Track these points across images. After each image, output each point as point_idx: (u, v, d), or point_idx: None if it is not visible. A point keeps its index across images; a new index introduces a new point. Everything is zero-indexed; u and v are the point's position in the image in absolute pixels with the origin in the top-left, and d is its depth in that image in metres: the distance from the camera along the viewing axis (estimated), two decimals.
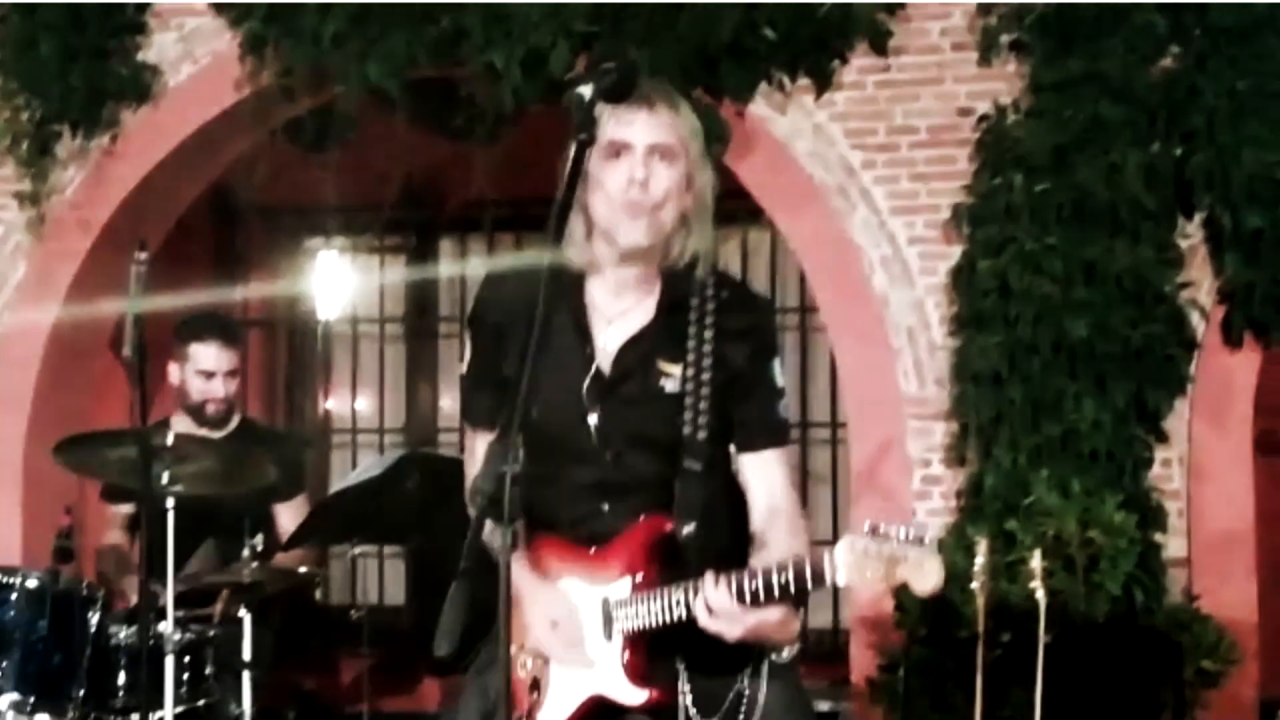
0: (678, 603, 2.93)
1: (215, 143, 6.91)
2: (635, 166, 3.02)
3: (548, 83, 6.03)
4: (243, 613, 4.54)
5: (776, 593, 2.80)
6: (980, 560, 4.71)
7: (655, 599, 2.98)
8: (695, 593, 2.87)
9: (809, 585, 2.80)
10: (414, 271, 9.51)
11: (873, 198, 6.15)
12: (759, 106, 6.21)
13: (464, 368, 3.27)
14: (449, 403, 9.18)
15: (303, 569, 4.96)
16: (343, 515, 4.90)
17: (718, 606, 2.82)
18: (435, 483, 4.64)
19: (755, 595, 2.80)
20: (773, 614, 2.85)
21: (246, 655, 4.48)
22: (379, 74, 6.24)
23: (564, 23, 6.01)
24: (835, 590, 3.21)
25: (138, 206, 6.82)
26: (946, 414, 5.98)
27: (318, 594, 6.07)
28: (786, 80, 6.17)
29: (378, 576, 8.84)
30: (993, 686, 4.83)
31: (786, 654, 3.33)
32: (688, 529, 3.06)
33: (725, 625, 2.85)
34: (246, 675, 4.51)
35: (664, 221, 3.06)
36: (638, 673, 3.01)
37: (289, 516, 5.18)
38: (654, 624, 2.97)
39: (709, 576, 2.87)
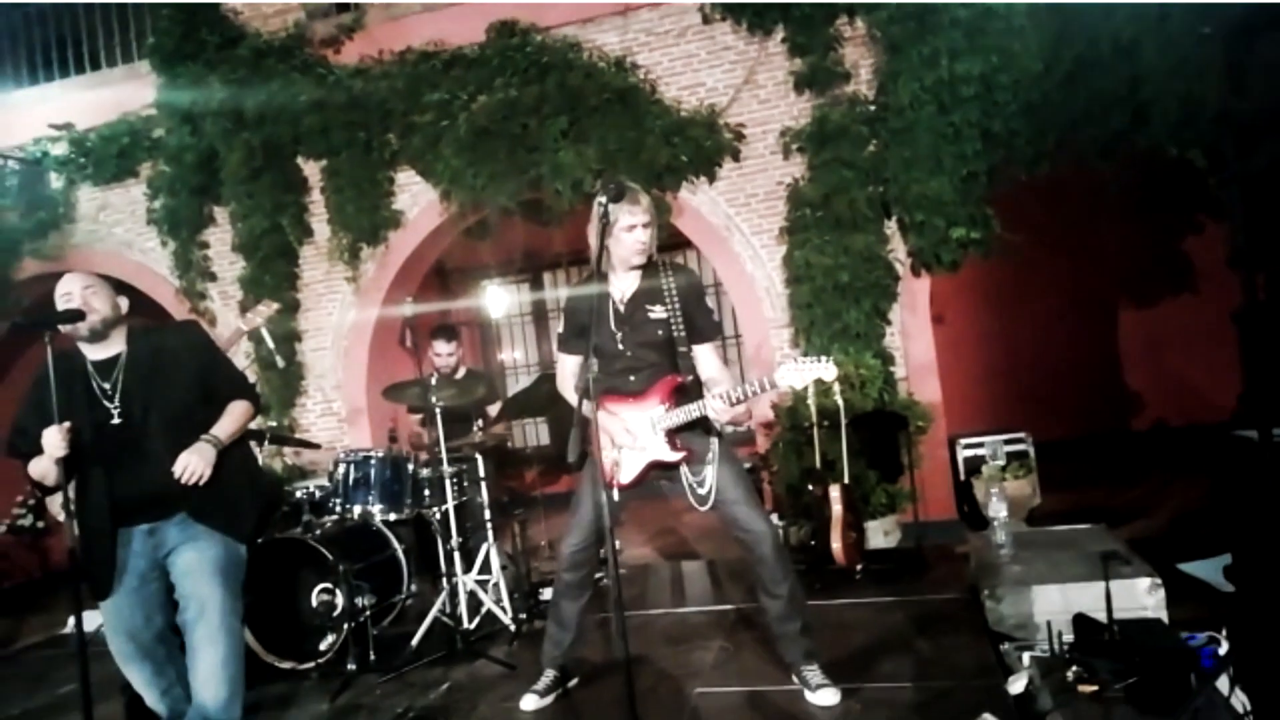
0: (694, 411, 3.06)
1: (433, 243, 6.85)
2: (639, 233, 3.10)
3: (583, 194, 6.04)
4: (477, 455, 4.55)
5: (748, 396, 2.97)
6: (811, 389, 4.81)
7: (681, 412, 3.10)
8: (706, 405, 3.01)
9: (768, 389, 2.97)
10: (533, 291, 9.51)
11: (741, 229, 6.12)
12: (683, 192, 6.18)
13: (560, 328, 3.35)
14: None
15: (501, 433, 4.92)
16: (515, 406, 4.84)
17: (722, 406, 2.98)
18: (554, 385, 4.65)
19: (738, 399, 2.97)
20: (742, 408, 3.01)
21: (481, 474, 4.51)
22: (505, 200, 6.21)
23: (587, 165, 5.97)
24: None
25: (401, 276, 6.78)
26: (788, 324, 5.97)
27: (509, 444, 5.97)
28: (694, 179, 6.13)
29: (535, 432, 8.96)
30: (822, 447, 4.90)
31: (746, 427, 3.35)
32: (688, 379, 3.17)
33: (722, 414, 3.00)
34: (483, 484, 4.50)
35: (650, 251, 3.16)
36: (675, 445, 3.13)
37: (493, 410, 5.17)
38: (680, 422, 3.10)
39: (714, 395, 3.00)
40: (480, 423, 4.72)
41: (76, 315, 2.75)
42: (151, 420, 2.79)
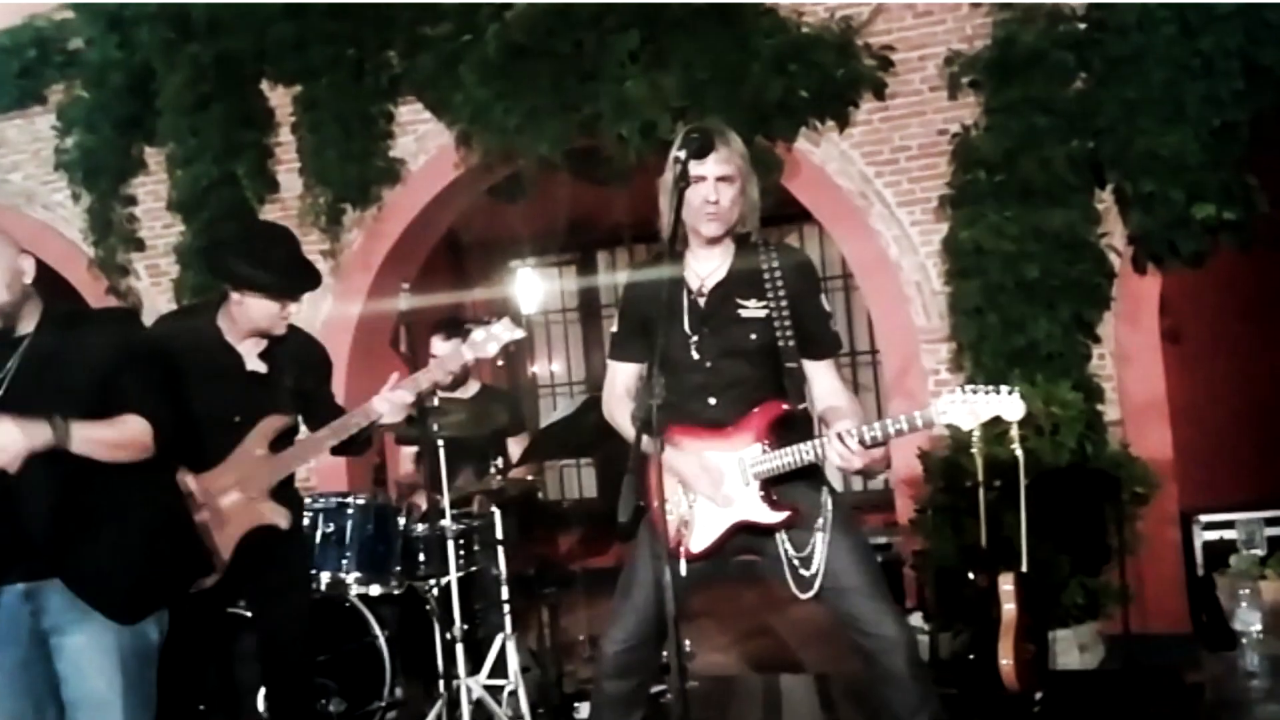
0: (806, 453, 3.06)
1: (444, 205, 7.01)
2: (709, 190, 3.15)
3: (658, 142, 6.10)
4: (494, 509, 4.59)
5: (889, 438, 2.97)
6: (977, 433, 4.76)
7: (785, 454, 3.09)
8: (823, 446, 3.01)
9: (919, 428, 2.98)
10: (581, 277, 9.69)
11: (884, 197, 6.15)
12: (801, 143, 6.23)
13: (614, 326, 3.38)
14: None
15: (529, 478, 4.95)
16: (551, 441, 4.90)
17: (852, 450, 2.97)
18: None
19: (874, 441, 2.97)
20: (878, 452, 3.01)
21: (499, 535, 4.54)
22: (547, 149, 6.32)
23: (664, 101, 6.04)
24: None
25: (399, 250, 6.95)
26: (947, 337, 5.98)
27: (539, 494, 6.07)
28: (818, 124, 6.19)
29: (577, 479, 9.06)
30: (991, 518, 4.84)
31: (882, 478, 3.38)
32: (801, 407, 3.17)
33: (850, 461, 3.00)
34: (500, 549, 4.56)
35: (730, 218, 3.19)
36: (773, 502, 3.14)
37: (516, 445, 5.20)
38: (782, 470, 3.09)
39: (841, 431, 3.00)
40: (500, 462, 4.75)
41: None
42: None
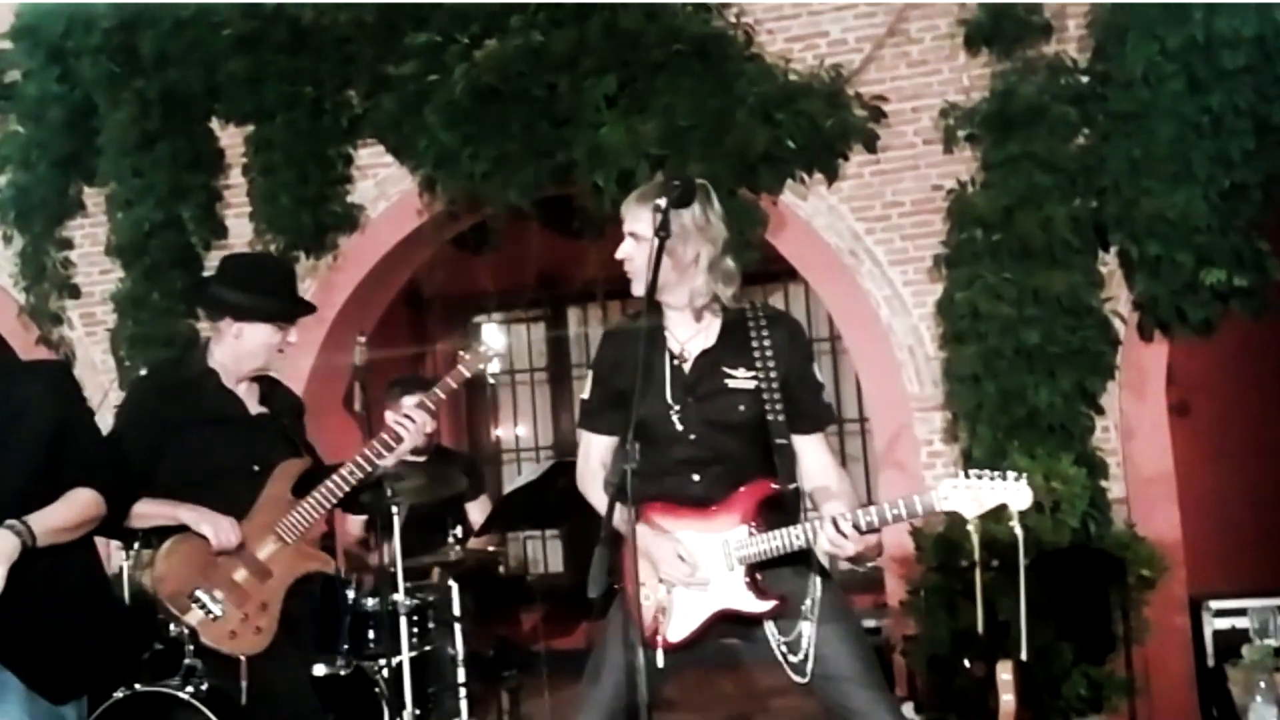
0: (797, 537, 3.01)
1: (405, 254, 6.97)
2: (627, 245, 3.11)
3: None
4: (451, 582, 4.54)
5: (883, 524, 2.95)
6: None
7: (773, 538, 3.03)
8: (814, 530, 2.97)
9: (919, 515, 2.99)
10: (550, 333, 9.65)
11: (875, 254, 6.13)
12: (787, 196, 6.21)
13: (585, 393, 3.32)
14: None
15: (490, 549, 4.93)
16: (515, 509, 4.89)
17: (843, 537, 2.93)
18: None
19: (870, 527, 2.94)
20: (872, 539, 2.98)
21: (456, 612, 4.49)
22: (516, 197, 6.28)
23: (642, 149, 6.01)
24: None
25: (356, 303, 6.89)
26: (941, 406, 5.94)
27: (500, 567, 6.00)
28: (805, 176, 6.17)
29: (542, 551, 8.93)
30: (989, 600, 4.84)
31: (870, 565, 3.36)
32: (791, 487, 3.12)
33: (844, 547, 2.96)
34: (457, 627, 4.51)
35: (645, 275, 3.13)
36: (759, 589, 3.08)
37: (477, 511, 5.16)
38: (770, 555, 3.04)
39: (833, 515, 2.96)
40: (459, 531, 4.70)
41: None
42: None
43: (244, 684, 3.48)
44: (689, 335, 3.20)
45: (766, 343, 3.17)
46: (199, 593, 3.52)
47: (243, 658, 3.51)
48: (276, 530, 3.61)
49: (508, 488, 5.21)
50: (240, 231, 6.94)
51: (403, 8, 6.52)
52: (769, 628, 3.12)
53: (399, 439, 3.74)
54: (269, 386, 3.81)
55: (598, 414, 3.29)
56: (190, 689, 4.05)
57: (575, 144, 6.19)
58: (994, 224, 5.76)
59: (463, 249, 7.38)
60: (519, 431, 9.72)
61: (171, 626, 4.37)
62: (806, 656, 3.07)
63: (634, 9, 6.17)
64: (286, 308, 3.72)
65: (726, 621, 3.13)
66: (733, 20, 6.21)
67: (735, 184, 5.96)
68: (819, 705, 3.14)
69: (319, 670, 4.43)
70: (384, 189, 6.80)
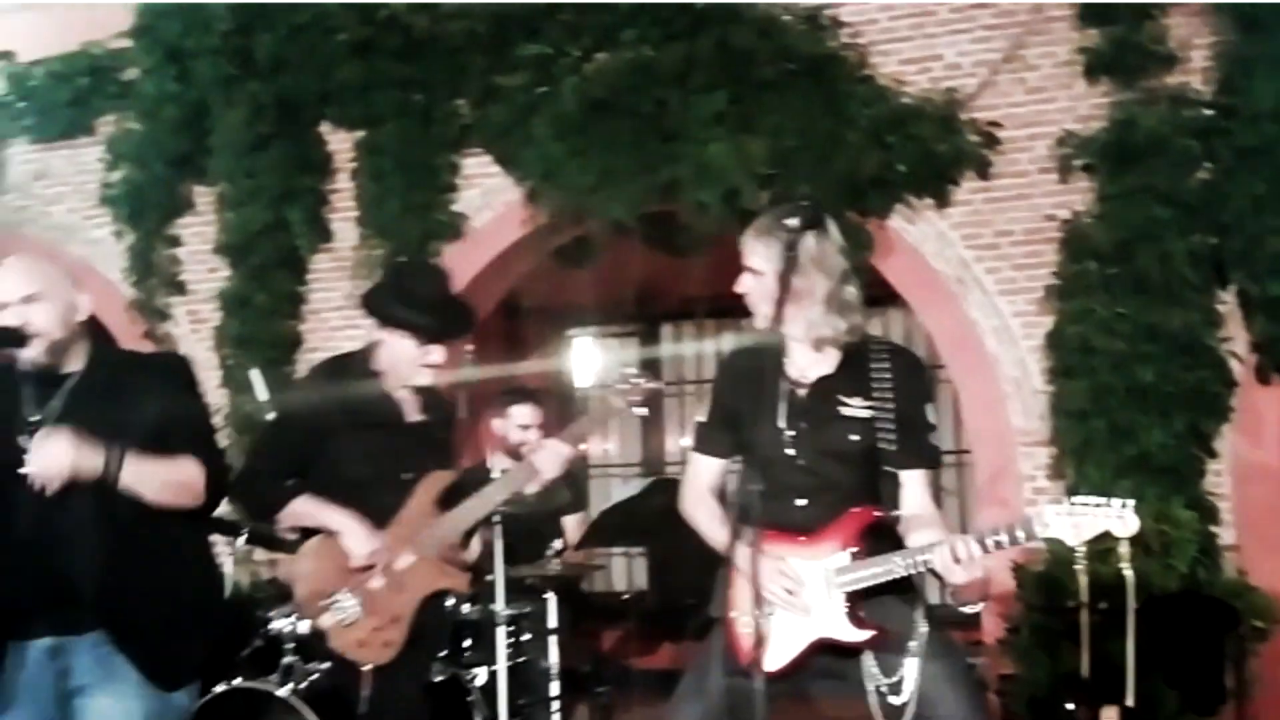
0: (900, 565, 2.97)
1: (507, 264, 7.01)
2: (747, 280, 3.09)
3: (740, 211, 6.10)
4: (547, 595, 4.53)
5: (994, 548, 2.88)
6: (1081, 549, 4.65)
7: (877, 564, 3.00)
8: (920, 558, 2.93)
9: (1021, 540, 2.88)
10: (643, 350, 9.63)
11: (983, 283, 6.07)
12: (895, 220, 6.17)
13: (704, 414, 3.33)
14: (671, 443, 9.20)
15: (587, 562, 4.90)
16: (613, 525, 4.86)
17: (965, 556, 2.86)
18: (673, 499, 4.64)
19: (988, 547, 2.87)
20: (980, 570, 2.89)
21: (552, 624, 4.48)
22: (621, 211, 6.31)
23: (750, 167, 6.01)
24: None
25: None
26: (1047, 441, 5.84)
27: (583, 583, 5.96)
28: (914, 200, 6.13)
29: (626, 570, 8.90)
30: (1094, 644, 4.77)
31: (980, 607, 3.28)
32: (895, 514, 3.09)
33: (963, 572, 2.89)
34: (553, 639, 4.50)
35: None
36: (859, 619, 3.03)
37: (573, 526, 5.15)
38: (871, 581, 3.00)
39: (953, 538, 2.90)
40: (558, 544, 4.69)
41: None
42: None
43: (365, 693, 3.45)
44: (807, 362, 3.19)
45: (885, 375, 3.15)
46: (336, 597, 3.50)
47: (367, 667, 3.48)
48: (417, 543, 3.58)
49: (608, 503, 5.15)
50: (345, 236, 7.03)
51: (515, 19, 6.58)
52: (869, 666, 3.06)
53: (545, 468, 3.72)
54: (429, 394, 3.75)
55: (711, 437, 3.29)
56: (289, 688, 4.12)
57: (682, 160, 6.19)
58: (1109, 257, 5.70)
59: (562, 262, 7.37)
60: (608, 447, 9.68)
61: (271, 625, 4.44)
62: (910, 699, 3.01)
63: (746, 26, 6.17)
64: (431, 325, 3.62)
65: (825, 653, 3.08)
66: (846, 40, 6.18)
67: (843, 206, 5.90)
68: None
69: None
70: (489, 199, 6.84)
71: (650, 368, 9.57)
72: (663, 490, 4.43)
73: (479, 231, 6.86)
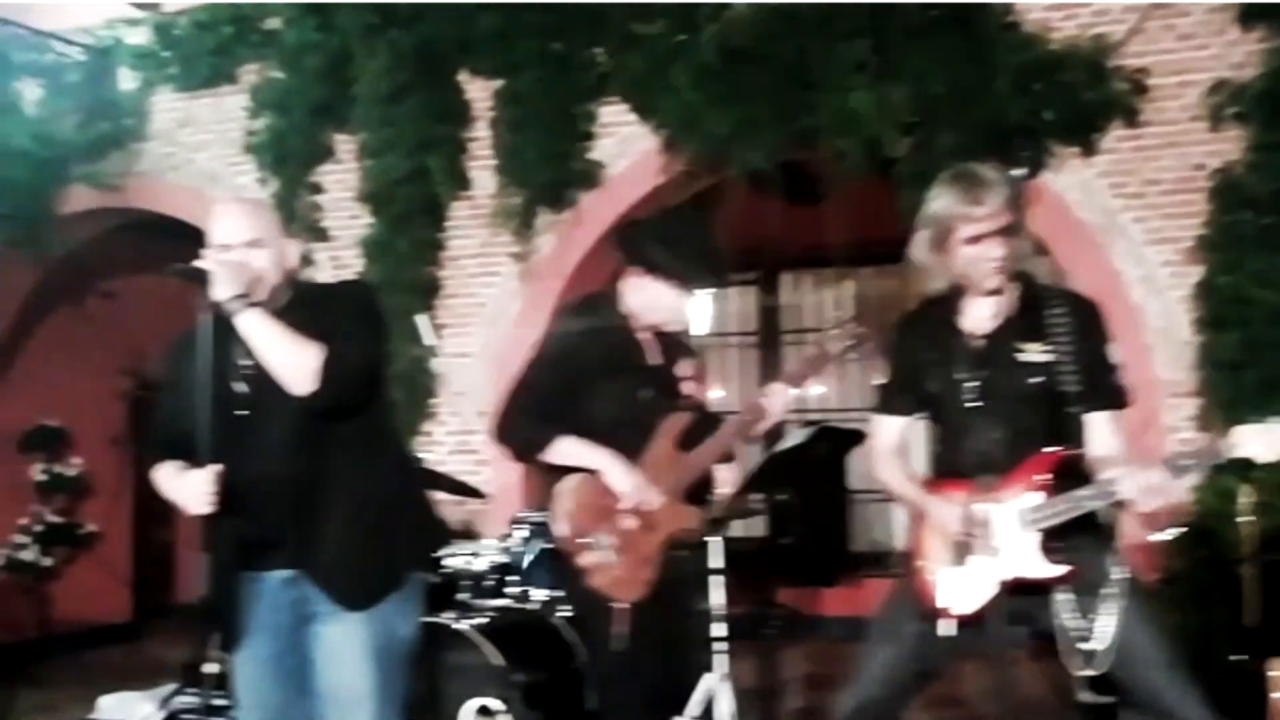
0: (1091, 499, 3.02)
1: (641, 212, 6.93)
2: (989, 246, 3.11)
3: (879, 159, 6.09)
4: (713, 536, 4.46)
5: (1186, 472, 2.95)
6: (1243, 500, 4.63)
7: (1067, 500, 3.04)
8: (1110, 488, 2.96)
9: (1210, 462, 3.02)
10: (761, 299, 9.67)
11: (1130, 233, 6.01)
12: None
13: (886, 376, 3.38)
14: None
15: (748, 506, 4.81)
16: (774, 471, 4.84)
17: (1155, 483, 2.91)
18: (838, 448, 4.64)
19: (1177, 471, 2.92)
20: (1174, 491, 2.95)
21: (714, 564, 4.35)
22: (759, 159, 6.33)
23: (892, 116, 6.00)
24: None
25: (592, 259, 6.99)
26: (1194, 393, 5.78)
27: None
28: (1060, 147, 6.07)
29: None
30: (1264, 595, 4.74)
31: (1168, 534, 3.29)
32: (1079, 453, 3.11)
33: (1154, 497, 2.93)
34: (716, 580, 4.37)
35: (1007, 269, 3.16)
36: (1052, 556, 3.06)
37: (725, 471, 5.18)
38: (1063, 517, 3.04)
39: (1142, 466, 2.96)
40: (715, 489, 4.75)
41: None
42: (281, 414, 2.97)
43: (621, 630, 3.48)
44: (983, 312, 3.22)
45: (1062, 319, 3.17)
46: (596, 536, 3.54)
47: (623, 605, 3.52)
48: (663, 483, 3.61)
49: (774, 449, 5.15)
50: (483, 184, 7.11)
51: None
52: (1063, 611, 3.08)
53: (773, 410, 3.75)
54: (666, 337, 3.78)
55: (893, 397, 3.36)
56: (468, 623, 4.25)
57: (822, 109, 6.18)
58: (1263, 206, 5.60)
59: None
60: (723, 393, 9.72)
61: (446, 561, 4.57)
62: (1107, 642, 3.03)
63: None
64: (697, 275, 3.65)
65: (1017, 595, 3.10)
66: None
67: (987, 155, 5.83)
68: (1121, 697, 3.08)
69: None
70: (625, 147, 6.87)
71: (768, 316, 9.63)
72: (828, 438, 4.42)
73: (615, 180, 6.90)
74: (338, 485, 3.03)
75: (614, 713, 3.64)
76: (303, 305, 3.07)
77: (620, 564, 3.56)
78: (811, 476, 4.64)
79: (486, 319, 7.13)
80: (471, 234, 7.14)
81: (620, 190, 6.91)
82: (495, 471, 6.78)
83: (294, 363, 2.90)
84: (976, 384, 3.17)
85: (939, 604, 3.14)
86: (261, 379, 2.95)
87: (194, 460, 2.95)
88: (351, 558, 3.03)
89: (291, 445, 2.98)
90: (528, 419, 3.60)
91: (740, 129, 6.33)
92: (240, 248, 2.98)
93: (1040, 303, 3.21)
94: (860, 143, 6.07)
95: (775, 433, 4.18)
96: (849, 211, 7.19)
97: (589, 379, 3.60)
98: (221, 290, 2.85)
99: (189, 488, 2.90)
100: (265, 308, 2.96)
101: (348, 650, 3.00)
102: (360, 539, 3.05)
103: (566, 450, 3.57)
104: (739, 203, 7.48)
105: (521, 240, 6.99)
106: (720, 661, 4.45)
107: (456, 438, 7.09)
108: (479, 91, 7.11)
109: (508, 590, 4.55)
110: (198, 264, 2.91)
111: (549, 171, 6.88)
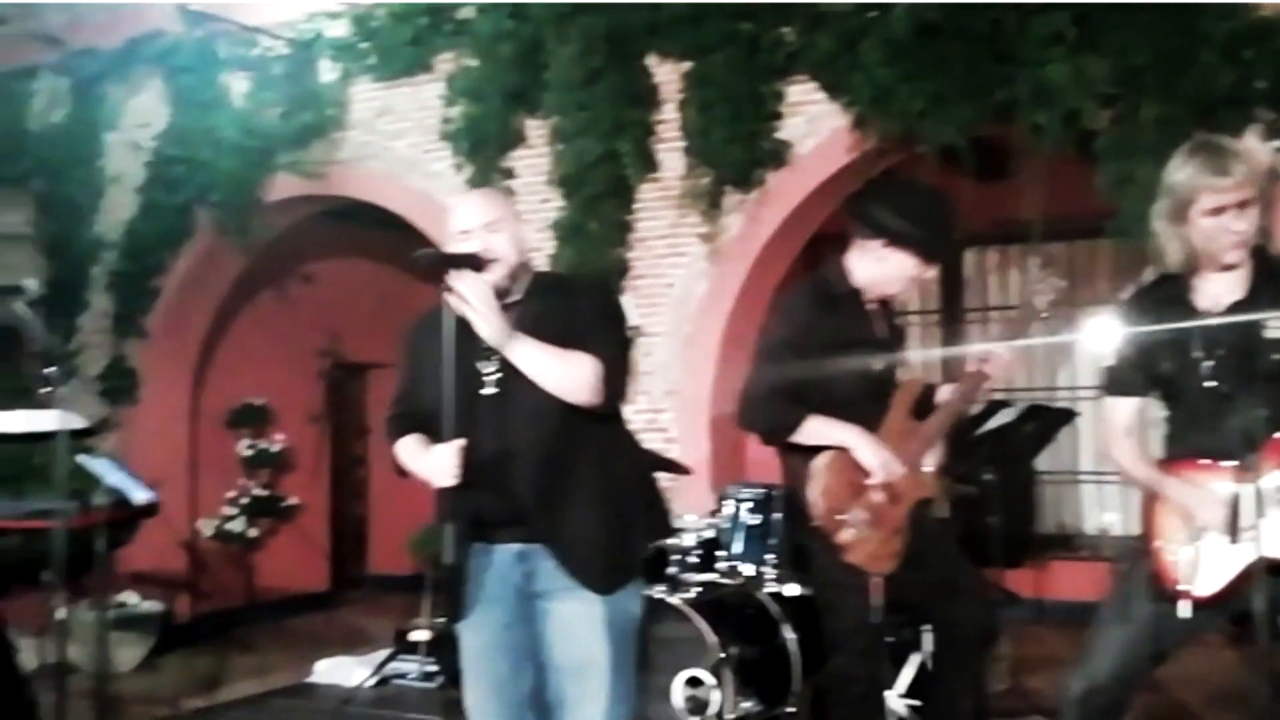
0: None
1: (831, 191, 7.02)
2: (1232, 218, 3.05)
3: (1078, 132, 5.96)
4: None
5: None
6: None
7: None
8: None
9: None
10: (945, 275, 9.51)
11: None
12: (1249, 139, 5.85)
13: (1115, 359, 3.34)
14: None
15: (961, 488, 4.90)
16: (985, 448, 4.81)
17: None
18: (1047, 427, 4.58)
19: None
20: None
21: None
22: (953, 135, 6.26)
23: (1091, 88, 5.88)
24: None
25: (780, 238, 7.02)
26: None
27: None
28: (1272, 116, 5.84)
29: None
30: None
31: None
32: None
33: None
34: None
35: (1250, 242, 3.10)
36: None
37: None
38: None
39: None
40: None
41: (471, 262, 3.06)
42: (528, 395, 3.05)
43: (877, 603, 3.55)
44: (1218, 288, 3.16)
45: None
46: (852, 512, 3.60)
47: (878, 578, 3.59)
48: (901, 455, 3.67)
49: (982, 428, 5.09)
50: (671, 165, 7.18)
51: None
52: None
53: (996, 375, 3.83)
54: (887, 307, 3.86)
55: (1123, 378, 3.33)
56: (680, 597, 4.34)
57: (1018, 82, 6.09)
58: None
59: None
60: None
61: None
62: None
63: None
64: (936, 244, 3.73)
65: (1266, 577, 3.03)
66: None
67: (1192, 127, 5.65)
68: None
69: (792, 590, 4.59)
70: (814, 126, 6.85)
71: (951, 292, 9.49)
72: (1035, 416, 4.37)
73: (803, 158, 6.89)
74: (585, 467, 3.12)
75: (861, 684, 3.68)
76: (545, 294, 3.20)
77: (874, 537, 3.61)
78: (1018, 456, 4.54)
79: (674, 300, 7.20)
80: (660, 215, 7.21)
81: (808, 169, 6.89)
82: (684, 450, 6.87)
83: (573, 378, 3.04)
84: (1214, 363, 3.12)
85: (1179, 586, 3.11)
86: (508, 361, 3.06)
87: (434, 435, 3.09)
88: (597, 540, 3.12)
89: (541, 427, 3.08)
90: (776, 401, 3.66)
91: (933, 104, 6.27)
92: (479, 231, 3.11)
93: (1277, 273, 3.15)
94: (1058, 116, 5.96)
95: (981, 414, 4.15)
96: (1036, 187, 7.04)
97: (829, 356, 3.64)
98: (487, 332, 2.99)
99: (435, 461, 3.03)
100: (504, 288, 3.10)
101: (584, 626, 3.09)
102: (606, 521, 3.14)
103: (816, 429, 3.62)
104: (927, 179, 7.40)
105: (709, 221, 7.03)
106: (927, 640, 4.47)
107: (646, 416, 7.16)
108: (667, 74, 7.18)
109: (717, 565, 4.61)
110: (446, 251, 3.07)
111: (737, 152, 6.89)
